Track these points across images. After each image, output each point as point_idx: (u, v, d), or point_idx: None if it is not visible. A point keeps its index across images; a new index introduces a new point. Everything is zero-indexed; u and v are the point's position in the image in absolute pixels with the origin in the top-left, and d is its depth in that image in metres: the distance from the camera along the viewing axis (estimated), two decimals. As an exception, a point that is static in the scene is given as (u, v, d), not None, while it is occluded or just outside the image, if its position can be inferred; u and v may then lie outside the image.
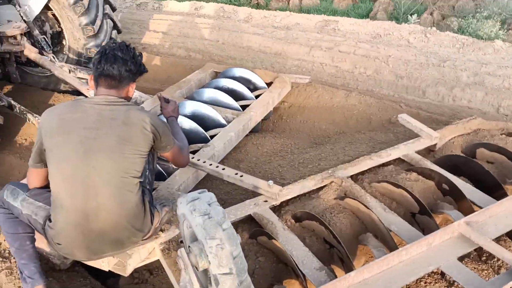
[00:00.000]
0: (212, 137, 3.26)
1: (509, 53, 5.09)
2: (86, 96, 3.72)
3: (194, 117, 3.40)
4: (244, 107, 3.69)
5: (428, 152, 3.01)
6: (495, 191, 2.53)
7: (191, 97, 3.81)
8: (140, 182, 1.99)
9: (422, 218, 2.37)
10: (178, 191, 2.62)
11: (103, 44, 4.28)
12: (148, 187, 2.10)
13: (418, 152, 2.89)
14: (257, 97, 3.84)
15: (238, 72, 4.06)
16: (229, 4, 7.55)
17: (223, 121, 3.44)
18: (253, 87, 4.00)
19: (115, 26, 4.52)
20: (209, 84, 3.98)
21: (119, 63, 2.01)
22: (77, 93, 4.03)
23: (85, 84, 3.82)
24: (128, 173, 1.93)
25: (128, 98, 2.08)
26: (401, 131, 3.45)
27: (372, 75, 4.74)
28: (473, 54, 5.12)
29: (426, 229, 2.34)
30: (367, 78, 4.73)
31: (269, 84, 4.05)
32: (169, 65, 5.14)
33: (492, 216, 2.18)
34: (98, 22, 4.16)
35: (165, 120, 2.66)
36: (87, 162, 1.88)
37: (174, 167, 2.87)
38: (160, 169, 2.85)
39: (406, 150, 2.86)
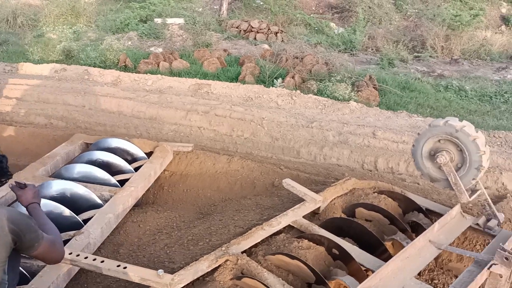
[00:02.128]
0: (85, 221, 2.87)
1: (362, 113, 5.79)
2: None
3: (62, 199, 2.97)
4: (122, 181, 3.38)
5: (313, 215, 3.11)
6: (377, 249, 2.70)
7: (58, 175, 3.36)
8: (-4, 302, 1.57)
9: (319, 289, 2.37)
10: (46, 296, 2.18)
11: None
12: (8, 305, 1.67)
13: (305, 217, 2.96)
14: (136, 169, 3.56)
15: (114, 142, 3.75)
16: (94, 67, 7.15)
17: (99, 201, 3.07)
18: (131, 159, 3.72)
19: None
20: (80, 158, 3.58)
21: None
22: None
23: None
24: (-21, 294, 1.50)
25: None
26: (285, 194, 3.52)
27: (250, 138, 4.87)
28: (334, 115, 5.68)
29: (323, 300, 2.34)
30: (245, 141, 4.83)
31: (149, 154, 3.82)
32: (26, 136, 4.51)
33: (382, 278, 2.28)
34: None
35: (24, 209, 2.22)
36: None
37: (39, 264, 2.41)
38: (21, 269, 2.35)
39: (294, 216, 2.90)
